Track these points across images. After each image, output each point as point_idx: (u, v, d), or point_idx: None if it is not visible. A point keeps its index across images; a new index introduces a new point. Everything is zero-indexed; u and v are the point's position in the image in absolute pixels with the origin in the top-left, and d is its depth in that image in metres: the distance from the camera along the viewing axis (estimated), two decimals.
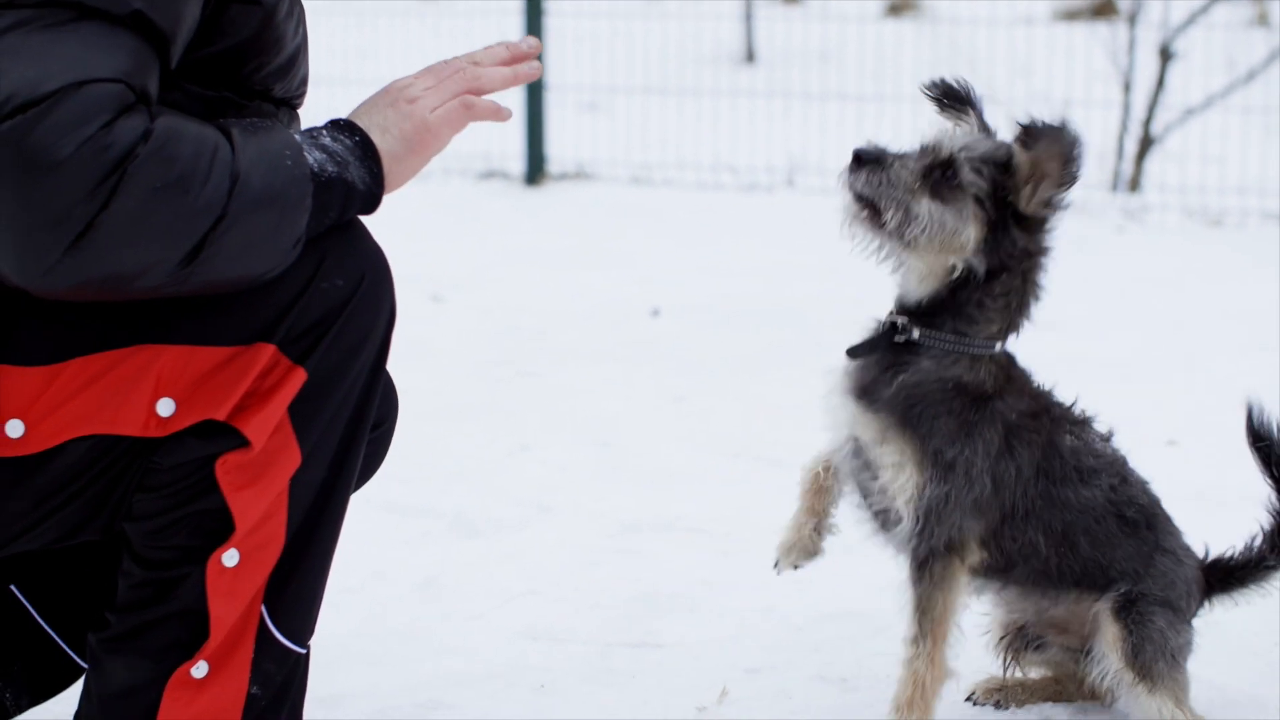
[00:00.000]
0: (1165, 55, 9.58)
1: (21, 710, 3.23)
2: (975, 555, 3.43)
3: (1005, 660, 3.72)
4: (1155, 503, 3.59)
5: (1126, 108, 9.72)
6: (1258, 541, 3.69)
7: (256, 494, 2.77)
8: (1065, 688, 3.77)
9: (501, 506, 4.97)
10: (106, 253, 2.49)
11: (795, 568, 3.64)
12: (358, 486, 3.00)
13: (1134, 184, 9.54)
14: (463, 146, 10.30)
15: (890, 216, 3.34)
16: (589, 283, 7.81)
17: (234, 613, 2.80)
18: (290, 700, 2.92)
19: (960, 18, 12.85)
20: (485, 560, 4.56)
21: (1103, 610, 3.50)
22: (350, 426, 2.85)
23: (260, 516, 2.78)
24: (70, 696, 3.10)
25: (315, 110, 3.03)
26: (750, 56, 14.80)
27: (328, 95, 9.82)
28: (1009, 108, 10.36)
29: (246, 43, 2.77)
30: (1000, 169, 3.35)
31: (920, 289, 3.42)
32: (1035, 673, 3.77)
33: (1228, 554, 3.69)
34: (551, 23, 10.53)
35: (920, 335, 3.39)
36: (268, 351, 2.72)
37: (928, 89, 3.48)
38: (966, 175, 3.34)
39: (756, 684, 3.85)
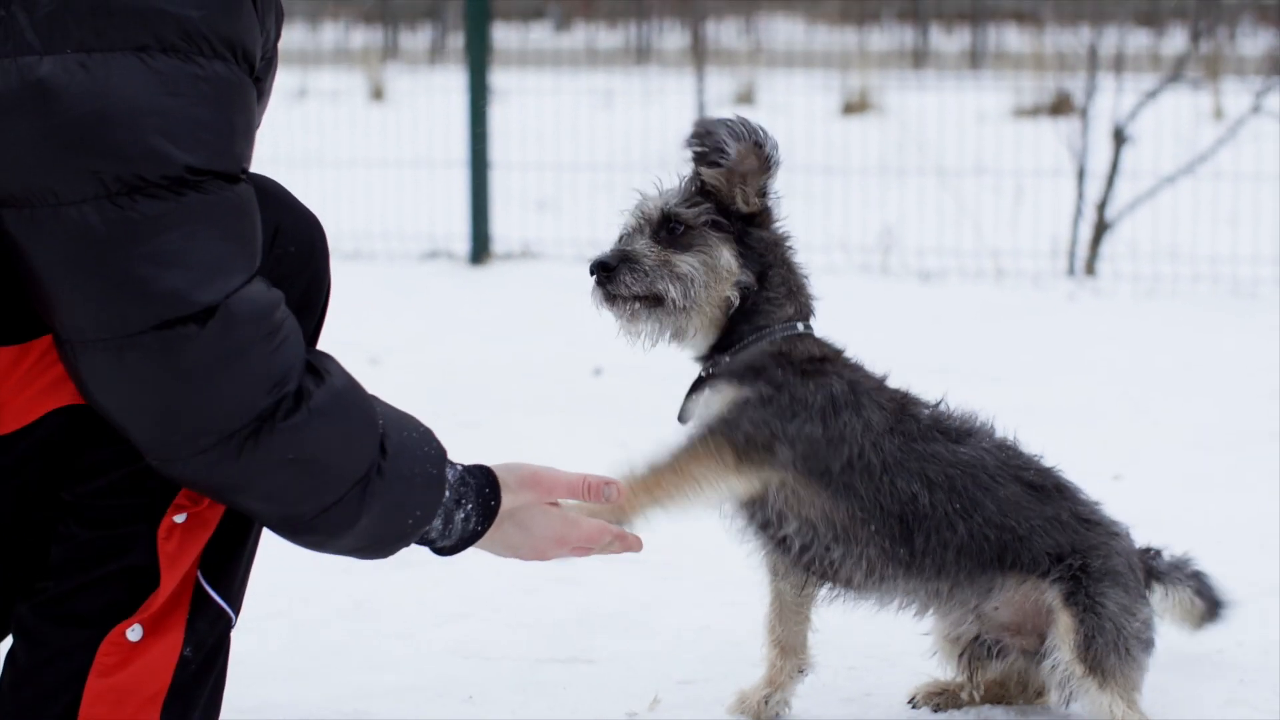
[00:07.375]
0: (1119, 139, 9.59)
1: None
2: (765, 472, 3.40)
3: (968, 673, 3.65)
4: (1055, 471, 3.57)
5: (1080, 196, 9.65)
6: (1191, 569, 3.76)
7: None
8: (1008, 691, 3.72)
9: None
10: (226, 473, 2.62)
11: None
12: None
13: (1090, 268, 9.43)
14: (406, 227, 10.30)
15: (671, 291, 3.42)
16: (532, 346, 7.74)
17: (179, 571, 2.79)
18: (216, 670, 2.89)
19: (911, 114, 12.93)
20: (417, 586, 4.46)
21: (1053, 598, 3.45)
22: None
23: None
24: None
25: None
26: None
27: (288, 175, 9.77)
28: (961, 199, 10.32)
29: None
30: (703, 194, 3.45)
31: (708, 338, 3.51)
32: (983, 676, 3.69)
33: (1152, 552, 3.73)
34: (497, 110, 10.53)
35: (728, 358, 3.48)
36: None
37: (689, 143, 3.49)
38: (688, 214, 3.44)
39: (689, 693, 3.81)
